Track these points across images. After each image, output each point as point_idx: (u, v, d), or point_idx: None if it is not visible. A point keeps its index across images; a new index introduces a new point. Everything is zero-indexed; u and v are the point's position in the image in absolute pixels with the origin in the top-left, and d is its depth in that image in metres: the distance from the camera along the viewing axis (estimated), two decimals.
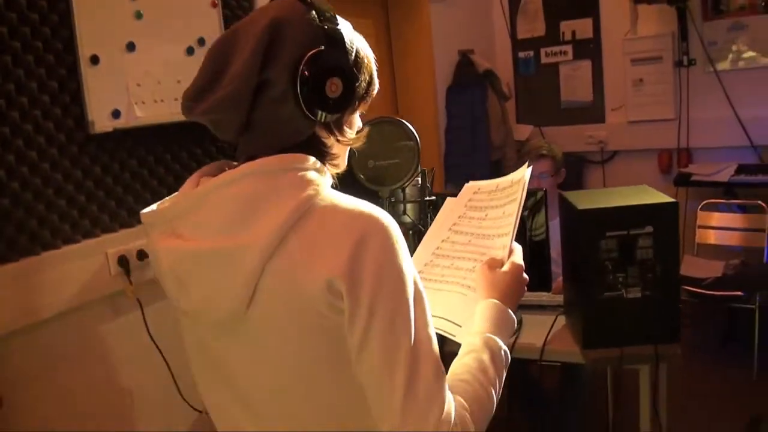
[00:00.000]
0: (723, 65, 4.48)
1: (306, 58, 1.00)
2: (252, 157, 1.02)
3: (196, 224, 1.00)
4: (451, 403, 0.98)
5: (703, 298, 3.71)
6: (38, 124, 1.98)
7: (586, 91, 5.00)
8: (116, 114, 2.17)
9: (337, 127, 1.09)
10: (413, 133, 1.55)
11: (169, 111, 2.36)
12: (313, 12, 1.04)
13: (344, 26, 1.07)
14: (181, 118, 2.33)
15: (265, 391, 1.06)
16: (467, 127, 4.49)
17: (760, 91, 4.35)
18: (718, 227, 4.22)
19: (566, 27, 4.97)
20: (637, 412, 2.31)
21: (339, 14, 1.07)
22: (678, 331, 2.20)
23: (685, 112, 4.59)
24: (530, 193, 2.36)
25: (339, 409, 1.04)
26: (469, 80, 4.52)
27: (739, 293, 3.73)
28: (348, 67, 1.05)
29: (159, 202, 1.10)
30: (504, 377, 1.13)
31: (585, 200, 2.21)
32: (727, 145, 4.50)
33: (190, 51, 2.43)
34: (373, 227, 0.96)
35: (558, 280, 2.57)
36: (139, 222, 2.23)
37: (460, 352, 1.12)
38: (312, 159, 1.02)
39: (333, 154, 1.09)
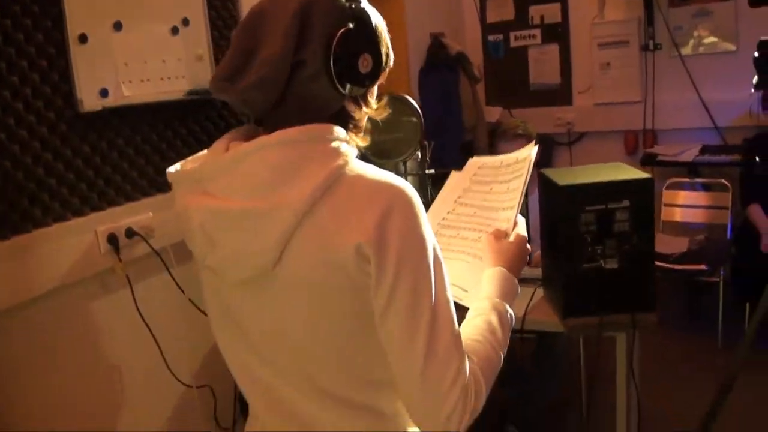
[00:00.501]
0: (688, 50, 4.61)
1: (338, 37, 1.05)
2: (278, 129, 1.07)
3: (229, 185, 1.04)
4: (465, 361, 1.05)
5: (669, 272, 3.84)
6: (28, 102, 1.99)
7: (554, 74, 5.11)
8: (104, 93, 2.18)
9: (363, 99, 1.15)
10: (417, 109, 1.60)
11: (155, 90, 2.38)
12: None
13: (365, 3, 1.13)
14: (167, 97, 2.40)
15: (286, 347, 1.11)
16: (439, 108, 4.55)
17: (722, 75, 4.49)
18: (683, 205, 4.36)
19: (535, 11, 5.06)
20: (612, 379, 2.42)
21: None
22: (654, 299, 2.30)
23: (650, 94, 4.71)
24: None
25: (357, 366, 1.11)
26: (441, 62, 4.58)
27: (704, 267, 3.87)
28: (376, 42, 1.12)
29: (183, 162, 1.14)
30: (509, 338, 1.20)
31: (565, 177, 2.29)
32: (692, 126, 4.64)
33: (174, 31, 2.45)
34: (399, 197, 1.02)
35: (536, 254, 2.65)
36: (127, 200, 2.30)
37: (470, 314, 1.20)
38: (342, 130, 1.08)
39: (360, 126, 1.14)
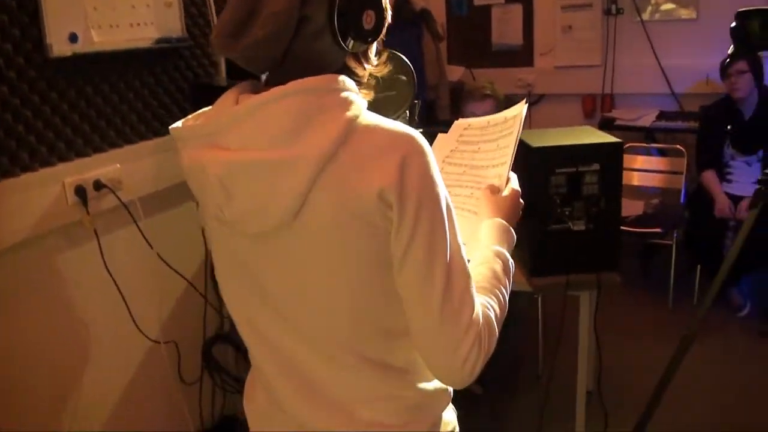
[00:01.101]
0: (649, 15, 4.66)
1: None
2: (283, 83, 1.05)
3: (245, 137, 1.03)
4: (478, 305, 1.09)
5: (624, 234, 3.94)
6: None
7: (517, 35, 5.12)
8: (73, 38, 2.11)
9: (364, 56, 1.15)
10: (409, 66, 1.60)
11: (124, 37, 2.31)
12: None
13: None
14: (136, 44, 2.34)
15: (302, 300, 1.11)
16: None
17: (681, 42, 4.57)
18: (639, 169, 4.46)
19: None
20: (570, 336, 2.50)
21: None
22: (617, 260, 2.37)
23: (611, 58, 4.77)
24: None
25: (372, 315, 1.12)
26: (404, 19, 4.54)
27: (658, 230, 3.99)
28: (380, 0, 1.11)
29: (185, 119, 1.12)
30: (510, 284, 1.25)
31: (536, 139, 2.32)
32: (649, 92, 4.72)
33: None
34: (415, 145, 1.03)
35: None
36: (95, 151, 2.25)
37: (474, 263, 1.22)
38: (351, 82, 1.07)
39: (363, 83, 1.14)
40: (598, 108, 4.91)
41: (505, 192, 1.39)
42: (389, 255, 1.05)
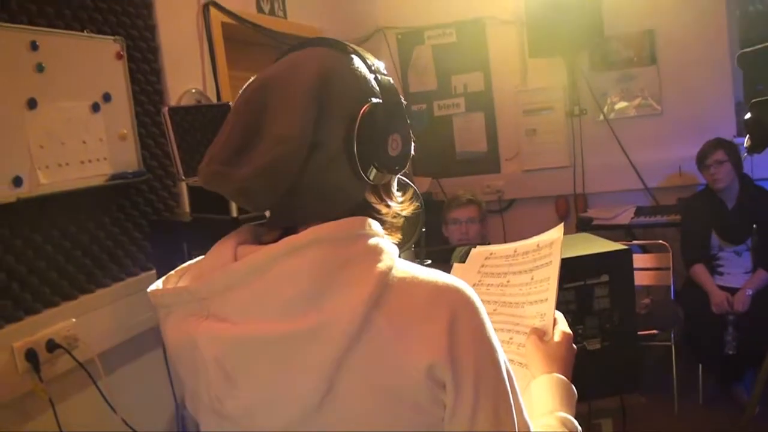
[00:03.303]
0: (613, 113, 4.63)
1: (362, 113, 0.86)
2: (290, 229, 0.84)
3: (248, 305, 0.80)
4: None
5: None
6: None
7: (481, 142, 5.03)
8: (18, 181, 1.90)
9: (386, 190, 0.95)
10: (417, 192, 1.40)
11: (75, 176, 2.11)
12: (356, 59, 0.92)
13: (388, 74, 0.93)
14: (88, 183, 2.11)
15: None
16: None
17: (648, 136, 4.53)
18: None
19: (457, 80, 5.00)
20: None
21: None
22: (640, 378, 2.15)
23: (579, 158, 4.69)
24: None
25: None
26: None
27: (655, 332, 3.78)
28: (405, 120, 0.93)
29: (165, 279, 0.88)
30: None
31: None
32: (622, 188, 4.63)
33: (95, 107, 2.20)
34: (462, 301, 0.83)
35: None
36: (46, 306, 1.98)
37: None
38: (377, 224, 0.87)
39: (387, 221, 0.93)
40: (571, 209, 4.79)
41: (556, 337, 1.15)
42: None
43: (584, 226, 4.40)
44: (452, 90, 5.03)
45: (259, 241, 0.88)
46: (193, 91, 2.75)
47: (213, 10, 2.93)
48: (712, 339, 3.68)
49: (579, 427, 1.01)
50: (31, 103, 1.94)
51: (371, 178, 0.88)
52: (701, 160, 3.78)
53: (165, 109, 2.09)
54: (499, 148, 4.99)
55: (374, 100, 0.88)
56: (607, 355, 2.10)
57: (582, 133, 4.69)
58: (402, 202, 0.98)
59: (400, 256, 0.89)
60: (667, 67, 4.48)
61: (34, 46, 1.95)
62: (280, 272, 0.79)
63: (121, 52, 2.28)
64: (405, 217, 1.01)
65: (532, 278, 1.25)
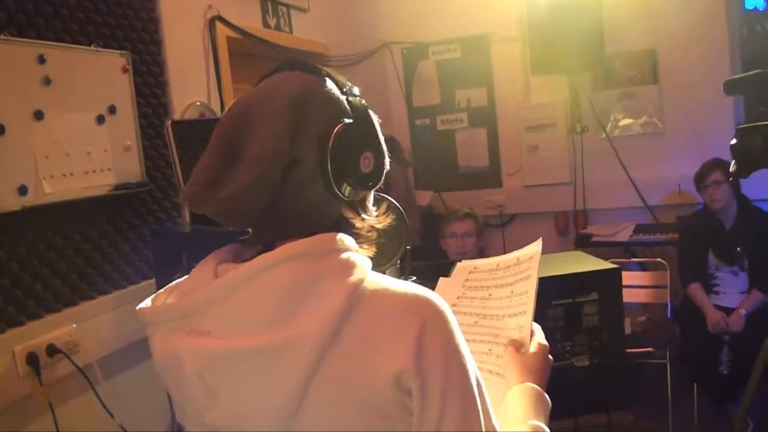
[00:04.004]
0: (614, 131, 4.67)
1: (335, 132, 0.91)
2: (270, 244, 0.89)
3: (227, 319, 0.85)
4: None
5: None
6: None
7: (483, 156, 5.08)
8: (23, 190, 1.95)
9: (362, 205, 1.00)
10: (400, 210, 1.44)
11: (79, 186, 2.16)
12: (329, 82, 0.97)
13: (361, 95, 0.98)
14: (92, 193, 2.17)
15: None
16: None
17: (649, 155, 4.56)
18: (623, 286, 4.31)
19: (461, 95, 5.05)
20: None
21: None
22: (628, 396, 2.18)
23: (580, 175, 4.73)
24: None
25: None
26: None
27: (650, 350, 3.81)
28: (377, 139, 0.99)
29: (153, 297, 0.93)
30: None
31: None
32: (622, 206, 4.66)
33: (100, 119, 2.25)
34: (432, 312, 0.87)
35: None
36: (48, 312, 2.03)
37: None
38: (350, 239, 0.92)
39: (363, 236, 0.97)
40: (571, 225, 4.83)
41: (532, 348, 1.19)
42: None
43: (583, 242, 4.44)
44: (456, 105, 5.08)
45: (240, 258, 0.93)
46: (198, 104, 2.81)
47: (219, 25, 2.99)
48: (707, 358, 3.70)
49: None
50: (38, 115, 2.00)
51: (345, 194, 0.93)
52: (699, 180, 3.81)
53: (168, 123, 2.14)
54: (501, 163, 5.04)
55: (347, 120, 0.93)
56: (596, 372, 2.14)
57: (583, 150, 4.73)
58: (377, 216, 1.03)
59: (384, 273, 0.94)
60: (668, 87, 4.52)
61: (41, 60, 2.01)
62: (255, 288, 0.84)
63: (127, 66, 2.34)
64: (385, 233, 1.06)
65: (512, 291, 1.30)
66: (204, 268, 0.92)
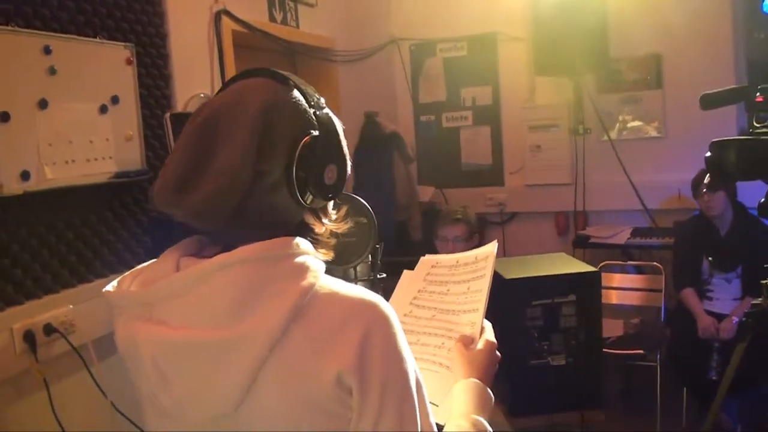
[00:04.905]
0: (616, 134, 4.72)
1: (301, 145, 0.97)
2: (230, 244, 0.96)
3: (185, 311, 0.92)
4: None
5: (606, 356, 3.81)
6: None
7: (486, 154, 5.14)
8: (26, 175, 2.03)
9: (323, 211, 1.07)
10: (368, 209, 1.51)
11: (80, 173, 2.24)
12: (297, 93, 1.02)
13: (328, 109, 1.05)
14: (93, 180, 2.25)
15: None
16: (373, 187, 4.50)
17: (650, 159, 4.61)
18: (617, 288, 4.38)
19: (467, 93, 5.12)
20: None
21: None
22: (601, 396, 2.25)
23: (581, 176, 4.78)
24: None
25: None
26: (375, 142, 4.55)
27: (641, 352, 3.87)
28: (341, 152, 1.04)
29: (120, 279, 1.00)
30: None
31: (510, 269, 2.24)
32: (622, 208, 4.71)
33: (103, 109, 2.33)
34: (377, 315, 0.94)
35: None
36: (46, 293, 2.12)
37: None
38: (307, 243, 0.98)
39: (322, 240, 1.05)
40: (571, 225, 4.88)
41: (480, 345, 1.26)
42: None
43: (581, 243, 4.51)
44: (461, 102, 5.15)
45: (201, 254, 1.00)
46: (201, 95, 2.88)
47: (225, 19, 3.06)
48: (696, 363, 3.75)
49: (490, 429, 1.12)
50: (42, 104, 2.08)
51: (308, 202, 0.99)
52: (696, 186, 3.85)
53: (167, 115, 2.23)
54: (503, 161, 5.10)
55: (313, 132, 0.99)
56: (571, 371, 2.21)
57: (585, 152, 4.78)
58: (336, 221, 1.10)
59: (356, 268, 1.01)
60: (672, 92, 4.56)
61: (47, 50, 2.08)
62: (213, 286, 0.90)
63: (131, 58, 2.42)
64: (355, 232, 1.13)
65: (468, 288, 1.37)
66: (168, 258, 0.99)
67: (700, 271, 3.92)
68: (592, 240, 4.49)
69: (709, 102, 1.84)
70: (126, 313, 0.98)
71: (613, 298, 4.34)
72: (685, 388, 3.84)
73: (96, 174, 2.30)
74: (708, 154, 1.83)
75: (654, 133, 4.64)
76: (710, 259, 3.86)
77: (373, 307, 0.94)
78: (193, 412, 0.93)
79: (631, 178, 4.65)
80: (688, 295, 3.88)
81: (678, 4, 4.40)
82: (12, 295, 2.01)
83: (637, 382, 4.24)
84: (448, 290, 1.42)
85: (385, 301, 0.97)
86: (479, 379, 1.19)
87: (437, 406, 1.21)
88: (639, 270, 4.42)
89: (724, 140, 1.79)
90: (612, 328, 4.03)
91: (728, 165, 1.78)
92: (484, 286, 1.34)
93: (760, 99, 1.76)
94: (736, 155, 1.76)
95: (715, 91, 1.85)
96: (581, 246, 4.50)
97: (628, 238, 4.39)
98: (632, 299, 4.35)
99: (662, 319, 4.17)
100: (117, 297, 0.99)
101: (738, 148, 1.76)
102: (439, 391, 1.22)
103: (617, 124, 4.73)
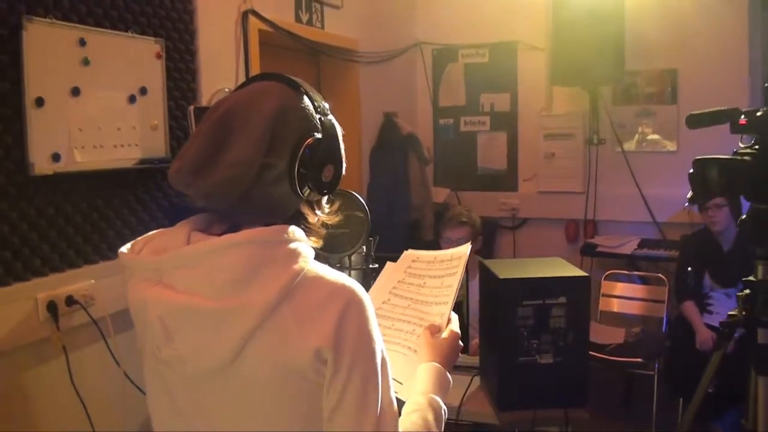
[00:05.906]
0: (630, 146, 4.81)
1: (305, 145, 1.11)
2: (236, 225, 1.10)
3: (192, 280, 1.05)
4: None
5: (605, 363, 3.91)
6: None
7: (501, 160, 5.25)
8: (56, 157, 2.19)
9: (318, 204, 1.21)
10: (364, 204, 1.66)
11: (107, 158, 2.39)
12: (306, 99, 1.15)
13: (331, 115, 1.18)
14: (119, 165, 2.40)
15: None
16: (388, 186, 4.63)
17: (662, 172, 4.67)
18: (621, 296, 4.47)
19: (486, 99, 5.23)
20: None
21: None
22: (586, 395, 2.35)
23: (593, 186, 4.87)
24: None
25: None
26: (392, 142, 4.67)
27: (639, 360, 3.95)
28: (339, 154, 1.18)
29: (133, 243, 1.14)
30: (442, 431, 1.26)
31: (505, 269, 2.35)
32: (631, 219, 4.80)
33: (132, 99, 2.48)
34: (353, 299, 1.07)
35: (474, 342, 2.70)
36: (69, 267, 2.28)
37: (407, 408, 1.24)
38: (301, 232, 1.12)
39: (314, 229, 1.19)
40: (580, 233, 4.98)
41: (444, 334, 1.41)
42: (321, 410, 1.07)
43: (589, 251, 4.60)
44: (480, 108, 5.26)
45: (210, 231, 1.14)
46: (226, 90, 3.02)
47: (252, 18, 3.21)
48: (692, 375, 3.82)
49: (444, 407, 1.26)
50: (75, 92, 2.24)
51: (305, 195, 1.14)
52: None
53: (191, 108, 2.38)
54: (518, 167, 5.21)
55: (317, 135, 1.13)
56: (558, 370, 2.32)
57: (598, 162, 4.88)
58: (329, 213, 1.23)
59: (349, 258, 1.15)
60: (687, 107, 4.58)
61: (82, 42, 2.24)
62: (217, 262, 1.04)
63: (161, 52, 2.58)
64: (348, 225, 1.27)
65: (441, 283, 1.52)
66: (179, 231, 1.12)
67: (701, 285, 3.98)
68: (599, 249, 4.58)
69: (694, 122, 1.95)
70: (137, 276, 1.12)
71: (615, 306, 4.44)
72: (681, 399, 3.92)
73: (122, 159, 2.46)
74: (691, 170, 1.93)
75: (666, 148, 4.72)
76: (711, 273, 3.93)
77: (350, 292, 1.07)
78: (191, 364, 1.07)
79: (642, 190, 4.73)
80: (689, 307, 3.95)
81: (695, 21, 4.48)
82: (38, 267, 2.17)
83: (635, 389, 4.33)
84: (424, 283, 1.56)
85: (362, 287, 1.10)
86: (441, 364, 1.34)
87: (402, 384, 1.35)
88: (644, 280, 4.50)
89: (707, 158, 1.90)
90: (613, 336, 4.12)
91: (711, 182, 1.88)
92: (455, 282, 1.48)
93: (743, 122, 1.86)
94: (719, 172, 1.87)
95: (701, 111, 1.95)
96: (589, 254, 4.60)
97: (635, 249, 4.48)
98: (635, 308, 4.43)
99: (663, 330, 4.25)
100: (131, 261, 1.13)
101: (721, 165, 1.86)
102: (405, 372, 1.37)
103: (636, 136, 4.82)
